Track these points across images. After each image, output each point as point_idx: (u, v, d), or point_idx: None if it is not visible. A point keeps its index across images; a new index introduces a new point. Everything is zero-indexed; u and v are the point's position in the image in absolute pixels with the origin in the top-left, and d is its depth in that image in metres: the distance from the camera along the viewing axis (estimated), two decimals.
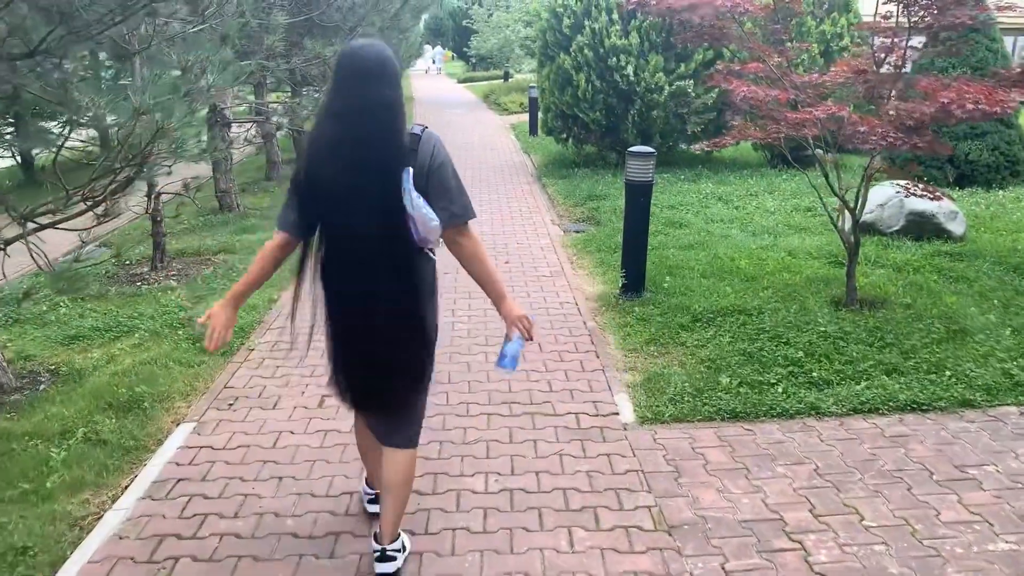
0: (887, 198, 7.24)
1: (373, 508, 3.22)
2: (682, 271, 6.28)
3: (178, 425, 4.07)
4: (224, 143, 9.24)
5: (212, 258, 7.62)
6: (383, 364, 2.66)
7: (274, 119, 11.04)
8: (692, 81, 10.41)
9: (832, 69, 5.90)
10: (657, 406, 4.12)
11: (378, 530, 2.86)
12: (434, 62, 45.55)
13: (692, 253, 6.80)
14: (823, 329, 4.90)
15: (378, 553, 2.83)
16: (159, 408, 4.24)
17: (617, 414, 4.10)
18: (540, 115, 11.93)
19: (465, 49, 40.18)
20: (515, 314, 2.67)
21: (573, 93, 10.85)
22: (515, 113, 21.25)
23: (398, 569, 2.85)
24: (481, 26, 27.16)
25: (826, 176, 5.44)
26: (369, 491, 3.27)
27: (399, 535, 2.91)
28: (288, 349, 5.01)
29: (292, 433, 3.93)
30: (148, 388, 4.41)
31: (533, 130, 15.56)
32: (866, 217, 7.39)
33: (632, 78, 10.36)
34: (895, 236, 7.04)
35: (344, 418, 4.05)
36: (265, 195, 11.13)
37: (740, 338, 4.89)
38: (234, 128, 10.36)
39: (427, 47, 43.16)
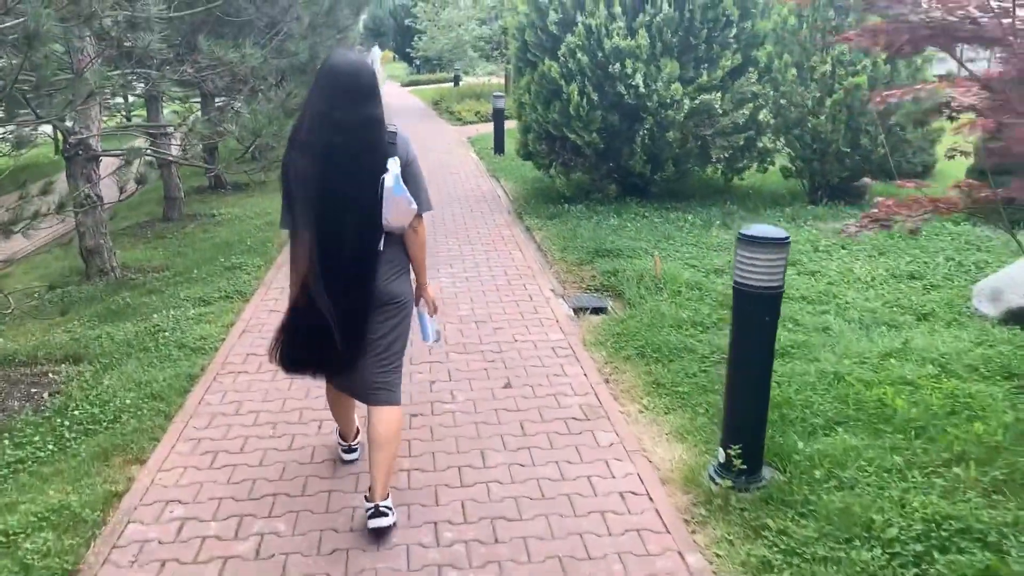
0: None
1: (349, 456, 3.62)
2: (798, 410, 3.90)
3: None
4: (89, 184, 6.57)
5: (52, 371, 4.98)
6: (356, 332, 2.98)
7: (174, 144, 8.40)
8: (719, 94, 8.05)
9: None
10: None
11: (369, 490, 3.09)
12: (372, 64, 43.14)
13: (796, 367, 4.40)
14: None
15: (371, 510, 3.03)
16: None
17: None
18: (519, 136, 9.46)
19: (408, 50, 37.48)
20: (429, 296, 3.24)
21: (563, 109, 8.40)
22: (471, 123, 18.75)
23: (393, 523, 3.06)
24: (427, 25, 24.52)
25: None
26: (343, 443, 3.62)
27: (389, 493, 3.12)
28: None
29: None
30: None
31: (499, 147, 13.08)
32: (1012, 303, 5.13)
33: (642, 90, 7.96)
34: None
35: None
36: (160, 244, 8.41)
37: None
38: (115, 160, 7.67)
39: (359, 47, 40.39)
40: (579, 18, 8.22)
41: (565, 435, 3.90)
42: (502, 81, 21.77)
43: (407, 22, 33.42)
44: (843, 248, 6.75)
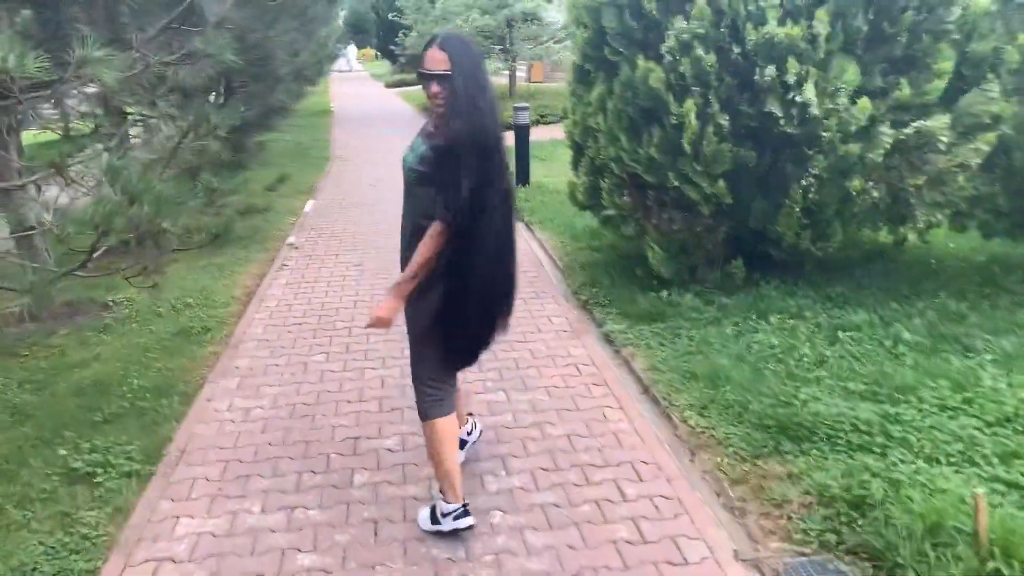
0: None
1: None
2: None
3: None
4: None
5: None
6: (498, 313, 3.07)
7: (37, 200, 4.97)
8: (943, 117, 4.73)
9: None
10: None
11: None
12: (347, 60, 42.04)
13: None
14: None
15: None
16: None
17: None
18: (583, 176, 6.09)
19: (392, 47, 33.92)
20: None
21: (666, 140, 5.06)
22: None
23: (476, 440, 3.65)
24: (417, 17, 21.13)
25: None
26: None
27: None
28: None
29: None
30: None
31: (523, 177, 9.71)
32: None
33: (814, 110, 4.63)
34: None
35: None
36: (13, 372, 4.93)
37: None
38: None
39: (338, 45, 37.73)
40: None
41: None
42: (506, 82, 18.38)
43: (391, 16, 29.90)
44: None
